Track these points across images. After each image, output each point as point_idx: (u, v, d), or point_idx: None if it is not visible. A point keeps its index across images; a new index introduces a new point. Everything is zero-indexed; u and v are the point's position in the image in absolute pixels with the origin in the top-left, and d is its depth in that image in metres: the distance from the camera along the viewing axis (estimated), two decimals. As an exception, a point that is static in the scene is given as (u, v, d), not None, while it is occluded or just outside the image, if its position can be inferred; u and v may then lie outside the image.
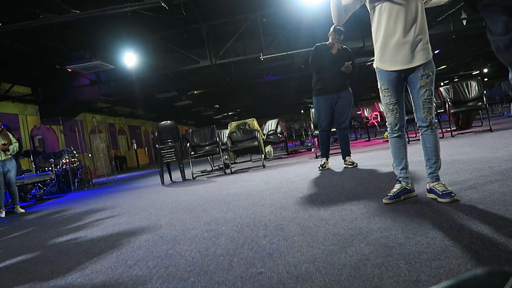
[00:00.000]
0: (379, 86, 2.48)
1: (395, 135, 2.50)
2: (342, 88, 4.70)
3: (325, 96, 4.72)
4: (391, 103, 2.44)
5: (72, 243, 2.89)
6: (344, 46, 4.75)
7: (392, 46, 2.31)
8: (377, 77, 2.47)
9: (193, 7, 8.10)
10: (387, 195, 2.45)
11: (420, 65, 2.29)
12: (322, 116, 4.80)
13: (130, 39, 9.45)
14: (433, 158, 2.37)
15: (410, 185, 2.49)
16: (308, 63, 4.88)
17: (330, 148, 5.19)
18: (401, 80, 2.40)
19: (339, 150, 5.01)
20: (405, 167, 2.50)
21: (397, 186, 2.47)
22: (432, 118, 2.36)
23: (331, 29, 4.51)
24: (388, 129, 2.56)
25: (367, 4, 2.41)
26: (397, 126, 2.47)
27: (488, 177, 2.69)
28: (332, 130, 4.96)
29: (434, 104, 2.47)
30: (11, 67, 10.22)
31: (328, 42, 4.69)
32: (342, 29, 4.45)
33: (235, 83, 15.60)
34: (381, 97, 2.49)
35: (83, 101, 12.71)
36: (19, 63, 10.21)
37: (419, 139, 2.49)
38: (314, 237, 1.96)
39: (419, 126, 2.41)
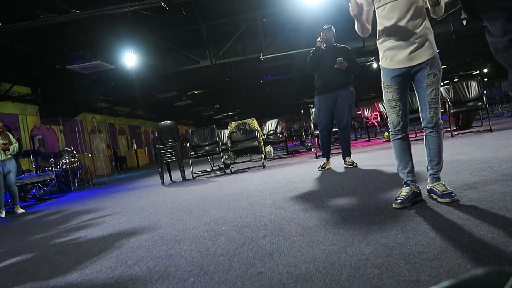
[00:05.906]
0: (382, 84, 2.40)
1: (399, 136, 2.38)
2: (341, 86, 4.65)
3: (325, 96, 4.72)
4: (394, 100, 2.34)
5: (72, 243, 2.89)
6: (343, 45, 4.75)
7: (395, 44, 2.26)
8: (381, 75, 2.40)
9: (193, 7, 8.10)
10: (397, 200, 2.28)
11: (426, 63, 2.23)
12: (322, 115, 4.79)
13: (130, 39, 9.45)
14: (436, 160, 2.32)
15: (418, 188, 2.35)
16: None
17: (331, 148, 5.18)
18: (406, 79, 2.32)
19: (339, 150, 5.01)
20: (412, 170, 2.38)
21: (406, 190, 2.32)
22: (438, 119, 2.29)
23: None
24: (390, 129, 2.43)
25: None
26: (400, 125, 2.35)
27: (488, 177, 2.69)
28: (333, 130, 4.95)
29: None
30: (11, 67, 10.22)
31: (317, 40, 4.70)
32: (326, 27, 4.63)
33: (235, 83, 15.59)
34: (383, 95, 2.40)
35: (83, 101, 12.70)
36: (19, 63, 10.21)
37: (419, 140, 2.47)
38: (314, 237, 1.96)
39: (424, 127, 2.34)
